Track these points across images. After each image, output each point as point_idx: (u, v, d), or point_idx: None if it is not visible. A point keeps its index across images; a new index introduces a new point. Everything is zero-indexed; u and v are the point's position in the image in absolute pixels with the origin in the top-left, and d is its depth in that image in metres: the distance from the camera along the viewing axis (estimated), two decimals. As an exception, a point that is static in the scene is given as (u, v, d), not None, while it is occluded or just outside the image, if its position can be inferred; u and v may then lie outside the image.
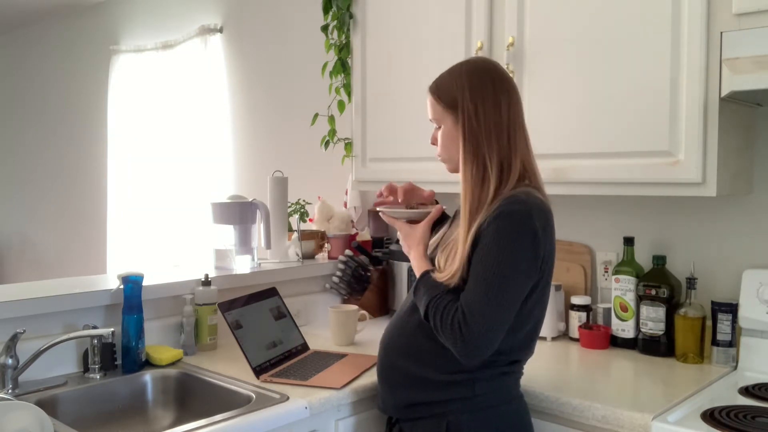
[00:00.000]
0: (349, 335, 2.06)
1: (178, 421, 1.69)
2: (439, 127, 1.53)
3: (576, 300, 2.12)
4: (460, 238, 1.42)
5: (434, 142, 1.56)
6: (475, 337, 1.34)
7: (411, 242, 1.57)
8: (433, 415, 1.46)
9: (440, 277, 1.43)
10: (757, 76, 1.53)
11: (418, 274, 1.51)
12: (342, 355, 1.90)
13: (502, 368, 1.46)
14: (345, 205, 2.80)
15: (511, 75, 1.97)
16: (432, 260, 1.57)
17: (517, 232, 1.36)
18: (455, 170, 1.51)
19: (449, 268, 1.41)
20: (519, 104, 1.48)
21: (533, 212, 1.38)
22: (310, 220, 2.70)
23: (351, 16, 2.47)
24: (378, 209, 1.65)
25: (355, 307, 2.12)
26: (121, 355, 1.80)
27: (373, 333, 2.14)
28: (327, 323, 2.12)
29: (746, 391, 1.63)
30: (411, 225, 1.59)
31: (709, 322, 1.88)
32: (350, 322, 2.07)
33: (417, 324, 1.50)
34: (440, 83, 1.51)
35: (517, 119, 1.46)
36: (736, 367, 1.82)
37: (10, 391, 1.57)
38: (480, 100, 1.44)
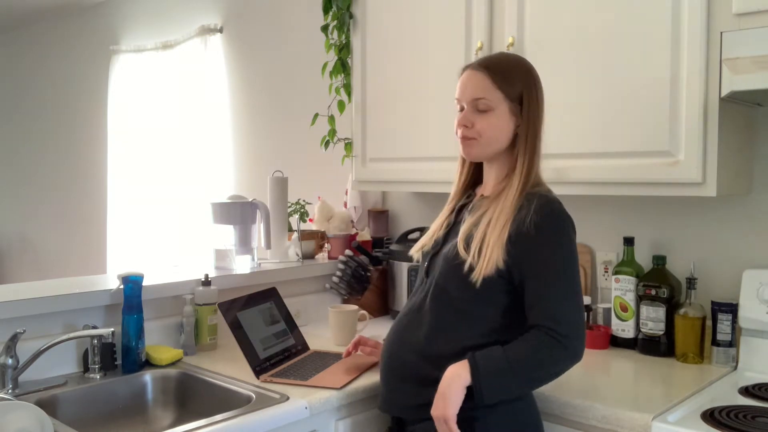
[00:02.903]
0: (349, 335, 2.05)
1: (178, 421, 1.69)
2: (481, 110, 1.48)
3: (576, 300, 2.12)
4: (492, 226, 1.43)
5: (467, 124, 1.49)
6: (575, 333, 1.38)
7: (447, 391, 1.40)
8: None
9: (475, 272, 1.42)
10: (757, 76, 1.53)
11: (466, 371, 1.38)
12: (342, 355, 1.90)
13: None
14: (345, 205, 2.80)
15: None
16: (435, 255, 1.57)
17: (565, 228, 1.44)
18: (485, 157, 1.53)
19: (483, 257, 1.42)
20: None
21: (564, 209, 1.46)
22: (310, 220, 2.70)
23: (351, 16, 2.47)
24: None
25: (355, 307, 2.12)
26: (121, 355, 1.80)
27: (373, 333, 2.14)
28: (327, 323, 2.12)
29: (746, 391, 1.63)
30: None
31: (709, 322, 1.88)
32: (350, 322, 2.07)
33: (428, 324, 1.49)
34: (501, 68, 1.49)
35: (543, 121, 1.54)
36: (736, 367, 1.82)
37: (10, 391, 1.57)
38: (540, 96, 1.52)
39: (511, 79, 1.49)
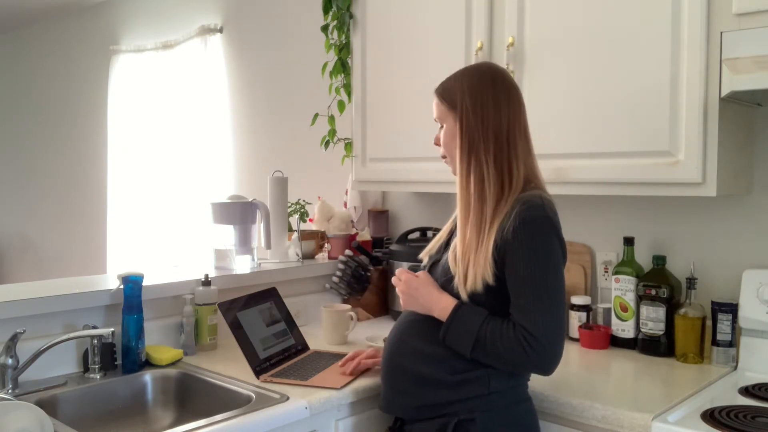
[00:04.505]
0: (341, 335, 2.07)
1: (178, 421, 1.69)
2: (442, 127, 1.54)
3: (576, 300, 2.12)
4: (468, 240, 1.43)
5: (437, 142, 1.57)
6: (547, 349, 1.36)
7: (421, 289, 1.51)
8: (444, 415, 1.46)
9: (463, 288, 1.42)
10: (757, 76, 1.53)
11: (446, 313, 1.45)
12: (342, 356, 1.89)
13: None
14: (345, 205, 2.80)
15: (511, 75, 1.98)
16: (435, 263, 1.57)
17: (547, 237, 1.40)
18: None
19: (470, 272, 1.41)
20: (520, 107, 1.50)
21: (551, 215, 1.41)
22: (310, 220, 2.70)
23: (351, 16, 2.47)
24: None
25: (348, 306, 2.12)
26: (121, 355, 1.80)
27: (372, 333, 2.14)
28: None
29: (746, 391, 1.63)
30: (411, 273, 1.55)
31: (709, 322, 1.88)
32: (343, 322, 2.07)
33: (427, 325, 1.49)
34: (444, 84, 1.54)
35: (517, 122, 1.47)
36: (736, 367, 1.82)
37: (10, 391, 1.57)
38: (478, 99, 1.46)
39: (449, 89, 1.51)
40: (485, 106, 1.45)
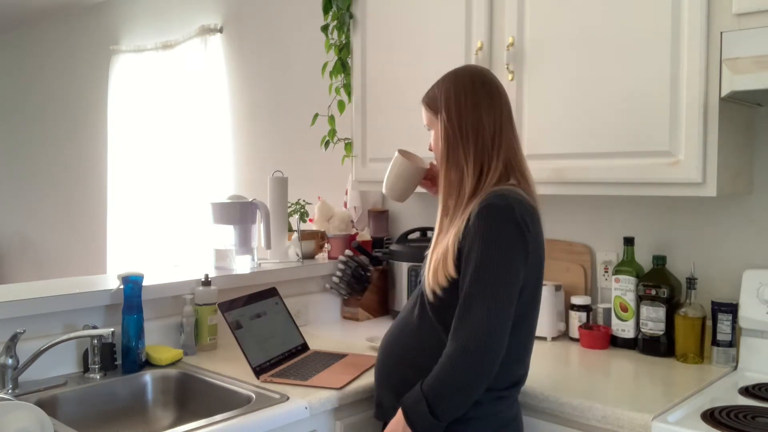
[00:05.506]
0: (403, 190, 1.71)
1: (178, 421, 1.69)
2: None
3: (576, 300, 2.12)
4: (439, 237, 1.44)
5: (431, 148, 1.58)
6: (475, 349, 1.32)
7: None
8: None
9: (427, 284, 1.43)
10: (757, 76, 1.53)
11: (399, 416, 1.40)
12: (342, 355, 1.90)
13: (499, 392, 1.43)
14: (345, 205, 2.80)
15: (511, 75, 1.98)
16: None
17: (501, 223, 1.36)
18: None
19: (438, 269, 1.41)
20: (502, 107, 1.49)
21: (514, 205, 1.38)
22: (310, 220, 2.70)
23: (351, 16, 2.47)
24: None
25: (425, 167, 1.71)
26: (121, 355, 1.80)
27: (373, 333, 2.14)
28: (327, 321, 2.10)
29: (746, 391, 1.63)
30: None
31: (709, 322, 1.88)
32: (414, 180, 1.70)
33: (416, 330, 1.49)
34: (429, 92, 1.55)
35: (499, 121, 1.47)
36: (736, 367, 1.82)
37: (10, 391, 1.57)
38: (458, 103, 1.47)
39: (432, 97, 1.53)
40: (464, 109, 1.46)
